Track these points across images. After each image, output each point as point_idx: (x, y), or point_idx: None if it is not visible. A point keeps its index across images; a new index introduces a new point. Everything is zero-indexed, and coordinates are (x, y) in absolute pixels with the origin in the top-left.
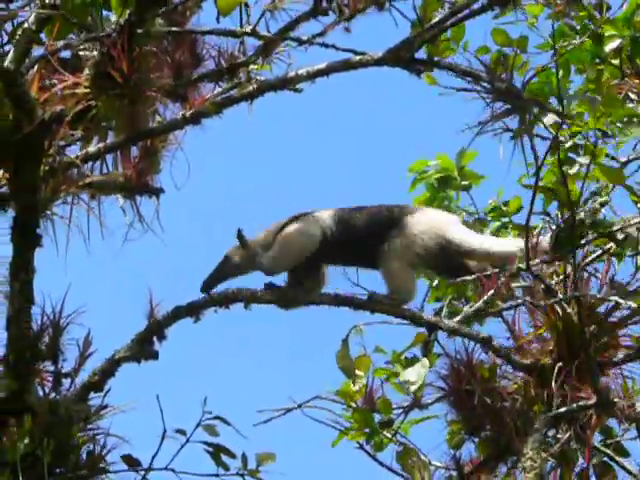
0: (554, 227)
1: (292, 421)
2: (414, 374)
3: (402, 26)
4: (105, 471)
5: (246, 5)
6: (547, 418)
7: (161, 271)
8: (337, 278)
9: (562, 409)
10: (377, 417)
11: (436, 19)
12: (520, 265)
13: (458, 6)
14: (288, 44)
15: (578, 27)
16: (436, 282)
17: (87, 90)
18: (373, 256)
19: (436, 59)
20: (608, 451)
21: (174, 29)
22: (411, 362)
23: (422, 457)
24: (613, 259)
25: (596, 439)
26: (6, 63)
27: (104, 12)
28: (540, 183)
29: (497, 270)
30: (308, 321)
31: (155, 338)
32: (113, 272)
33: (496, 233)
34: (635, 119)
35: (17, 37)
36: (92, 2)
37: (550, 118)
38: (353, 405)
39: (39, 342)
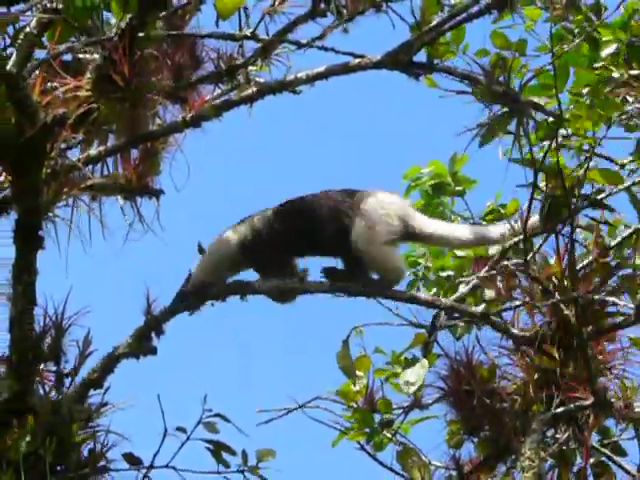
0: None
1: (292, 421)
2: (414, 375)
3: (401, 29)
4: (107, 470)
5: (245, 9)
6: (545, 418)
7: (161, 271)
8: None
9: (560, 409)
10: (377, 417)
11: (434, 22)
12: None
13: (456, 9)
14: (287, 47)
15: (577, 31)
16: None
17: (89, 93)
18: (345, 248)
19: (435, 62)
20: (606, 451)
21: (174, 32)
22: (411, 363)
23: (422, 457)
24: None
25: (594, 439)
26: (8, 67)
27: (105, 15)
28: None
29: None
30: (308, 321)
31: (153, 334)
32: (114, 272)
33: None
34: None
35: (19, 41)
36: (93, 6)
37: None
38: (353, 405)
39: (41, 343)
